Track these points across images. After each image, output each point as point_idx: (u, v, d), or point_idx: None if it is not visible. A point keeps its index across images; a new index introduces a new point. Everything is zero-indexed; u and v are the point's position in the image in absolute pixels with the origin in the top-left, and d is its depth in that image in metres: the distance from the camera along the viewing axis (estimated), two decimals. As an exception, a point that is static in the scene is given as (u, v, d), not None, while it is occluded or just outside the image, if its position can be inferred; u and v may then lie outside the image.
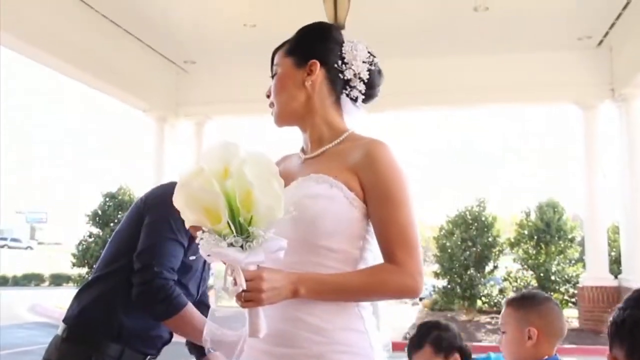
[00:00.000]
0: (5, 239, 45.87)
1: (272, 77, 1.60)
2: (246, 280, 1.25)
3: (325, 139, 1.55)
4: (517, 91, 10.79)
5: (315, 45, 1.57)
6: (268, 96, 1.60)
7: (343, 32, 4.61)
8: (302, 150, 1.63)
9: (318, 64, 1.55)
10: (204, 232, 1.24)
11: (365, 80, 1.57)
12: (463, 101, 11.09)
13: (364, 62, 1.56)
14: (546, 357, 1.99)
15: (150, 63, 9.14)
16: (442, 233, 13.67)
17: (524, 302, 2.08)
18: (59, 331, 2.07)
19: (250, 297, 1.26)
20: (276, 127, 1.62)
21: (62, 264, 24.48)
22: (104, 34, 5.62)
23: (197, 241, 1.25)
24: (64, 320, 2.08)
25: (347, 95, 1.58)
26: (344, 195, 1.43)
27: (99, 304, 2.03)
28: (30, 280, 31.93)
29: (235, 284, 1.24)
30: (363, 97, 1.58)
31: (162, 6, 5.50)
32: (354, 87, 1.56)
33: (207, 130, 11.96)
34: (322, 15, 4.57)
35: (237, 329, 1.48)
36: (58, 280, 31.10)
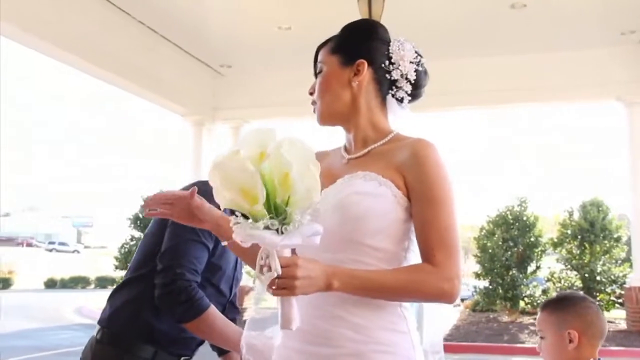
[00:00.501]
0: (53, 242, 47.00)
1: (316, 74, 1.57)
2: (281, 267, 1.21)
3: (370, 139, 1.53)
4: (557, 90, 10.51)
5: (362, 44, 1.53)
6: (311, 93, 1.56)
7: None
8: (345, 149, 1.59)
9: (366, 64, 1.51)
10: (236, 216, 1.22)
11: (412, 81, 1.54)
12: (502, 101, 10.86)
13: (411, 62, 1.53)
14: (590, 359, 1.92)
15: (186, 68, 9.22)
16: (482, 233, 13.46)
17: (560, 305, 2.01)
18: (94, 333, 2.08)
19: (283, 284, 1.21)
20: (318, 127, 1.60)
21: (107, 267, 24.95)
22: (141, 40, 5.66)
23: (231, 225, 1.23)
24: (98, 322, 2.10)
25: (393, 95, 1.55)
26: (392, 193, 1.40)
27: (130, 306, 2.03)
28: (77, 282, 32.71)
29: (270, 269, 1.20)
30: (409, 97, 1.56)
31: (197, 11, 5.54)
32: (400, 87, 1.54)
33: (244, 134, 11.95)
34: (356, 15, 4.50)
35: (275, 330, 1.45)
36: (103, 282, 31.78)
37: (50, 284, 31.96)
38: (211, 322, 1.96)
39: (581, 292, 2.24)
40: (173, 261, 1.95)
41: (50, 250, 45.44)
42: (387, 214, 1.40)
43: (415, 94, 1.56)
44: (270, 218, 1.20)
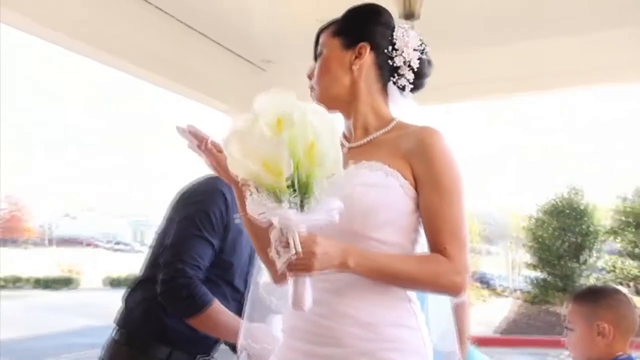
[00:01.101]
0: (115, 242, 48.40)
1: (315, 58, 1.50)
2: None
3: (371, 127, 1.45)
4: (608, 71, 10.04)
5: (365, 27, 1.47)
6: (310, 77, 1.49)
7: (417, 22, 4.30)
8: (345, 137, 1.49)
9: (368, 47, 1.44)
10: (251, 193, 1.14)
11: (415, 69, 1.46)
12: (551, 86, 10.41)
13: (415, 49, 1.46)
14: (620, 353, 1.83)
15: (228, 64, 9.10)
16: (534, 222, 13.08)
17: (591, 296, 1.92)
18: (112, 332, 2.06)
19: (301, 262, 1.14)
20: None
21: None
22: (181, 38, 5.59)
23: (246, 201, 1.16)
24: (115, 322, 2.09)
25: (394, 83, 1.47)
26: (399, 184, 1.33)
27: (143, 306, 2.01)
28: (137, 281, 33.38)
29: (287, 246, 1.13)
30: (411, 86, 1.47)
31: (235, 5, 5.44)
32: (402, 75, 1.46)
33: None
34: (396, 5, 4.32)
35: (283, 302, 1.41)
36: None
37: (113, 283, 32.82)
38: (216, 318, 1.91)
39: (613, 285, 2.12)
40: (174, 257, 1.91)
41: (113, 250, 46.76)
42: (395, 205, 1.33)
43: (417, 83, 1.48)
44: (293, 195, 1.11)
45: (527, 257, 13.29)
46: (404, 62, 1.45)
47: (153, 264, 2.04)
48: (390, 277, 1.28)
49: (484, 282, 21.84)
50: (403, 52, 1.45)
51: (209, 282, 1.95)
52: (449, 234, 1.31)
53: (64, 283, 30.56)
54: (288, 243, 1.13)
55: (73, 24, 4.45)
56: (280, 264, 1.15)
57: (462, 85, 6.06)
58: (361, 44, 1.44)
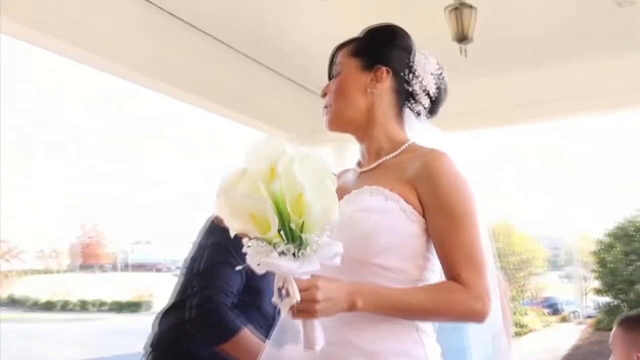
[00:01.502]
0: (179, 267, 49.19)
1: (330, 77, 1.46)
2: (300, 290, 1.11)
3: (383, 151, 1.40)
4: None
5: (384, 50, 1.42)
6: (324, 96, 1.45)
7: (471, 45, 4.26)
8: (358, 163, 1.47)
9: (386, 71, 1.40)
10: (250, 239, 1.12)
11: (432, 96, 1.43)
12: (608, 107, 10.10)
13: (432, 75, 1.43)
14: None
15: (286, 92, 9.28)
16: (601, 247, 12.59)
17: (637, 324, 1.83)
18: (143, 356, 2.09)
19: (304, 308, 1.12)
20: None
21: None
22: (241, 68, 5.73)
23: (244, 250, 1.13)
24: (149, 345, 2.10)
25: (410, 108, 1.43)
26: (400, 208, 1.28)
27: (171, 331, 2.03)
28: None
29: (288, 294, 1.11)
30: (426, 112, 1.45)
31: (295, 36, 5.56)
32: (419, 101, 1.43)
33: (348, 154, 11.92)
34: (445, 29, 4.30)
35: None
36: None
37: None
38: (245, 344, 1.90)
39: None
40: (204, 284, 1.92)
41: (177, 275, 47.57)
42: (395, 230, 1.27)
43: (433, 109, 1.45)
44: (286, 244, 1.08)
45: (596, 283, 12.75)
46: (421, 88, 1.41)
47: (184, 289, 2.06)
48: (403, 311, 1.23)
49: (551, 307, 21.10)
50: (421, 77, 1.41)
51: (239, 308, 1.95)
52: (462, 259, 1.25)
53: (135, 307, 31.29)
54: (288, 290, 1.11)
55: (144, 61, 4.63)
56: (282, 310, 1.13)
57: (519, 107, 5.95)
58: (380, 67, 1.40)
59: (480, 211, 1.30)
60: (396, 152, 1.38)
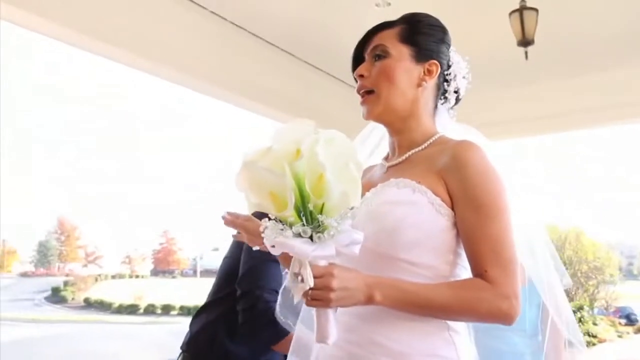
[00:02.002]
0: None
1: (374, 56, 1.33)
2: (315, 277, 1.06)
3: (415, 145, 1.34)
4: None
5: (437, 44, 1.36)
6: (361, 76, 1.33)
7: (532, 47, 4.18)
8: (386, 157, 1.42)
9: (438, 67, 1.34)
10: (269, 219, 1.08)
11: (458, 97, 1.40)
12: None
13: (463, 77, 1.39)
14: None
15: (344, 97, 9.31)
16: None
17: None
18: (177, 357, 2.06)
19: (317, 296, 1.07)
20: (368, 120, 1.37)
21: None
22: (302, 74, 5.80)
23: (260, 229, 1.10)
24: (180, 347, 2.08)
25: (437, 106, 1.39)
26: (429, 200, 1.21)
27: (207, 331, 1.99)
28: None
29: (302, 280, 1.06)
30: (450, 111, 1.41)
31: (352, 41, 5.61)
32: (448, 99, 1.39)
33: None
34: (508, 31, 4.24)
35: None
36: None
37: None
38: None
39: None
40: (250, 284, 1.89)
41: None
42: (423, 223, 1.20)
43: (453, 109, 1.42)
44: (303, 225, 1.05)
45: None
46: (454, 88, 1.38)
47: (219, 288, 2.04)
48: (423, 308, 1.16)
49: (626, 317, 20.17)
50: (455, 77, 1.37)
51: None
52: (490, 255, 1.17)
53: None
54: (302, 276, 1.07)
55: (210, 70, 4.77)
56: (295, 295, 1.09)
57: (583, 113, 5.74)
58: (433, 61, 1.34)
59: (512, 207, 1.22)
60: (425, 145, 1.33)
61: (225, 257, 2.11)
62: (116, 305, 34.23)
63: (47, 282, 41.97)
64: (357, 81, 1.36)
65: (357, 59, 1.38)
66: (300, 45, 5.62)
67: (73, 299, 37.62)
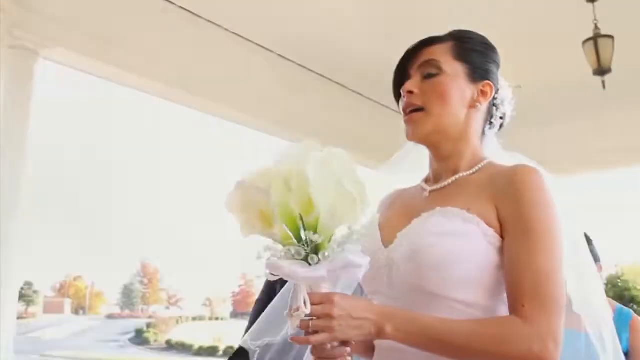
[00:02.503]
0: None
1: (424, 73, 1.22)
2: (313, 304, 0.97)
3: (462, 170, 1.22)
4: None
5: (491, 65, 1.26)
6: (410, 92, 1.21)
7: (609, 77, 3.99)
8: (426, 180, 1.28)
9: (490, 88, 1.23)
10: (270, 251, 1.02)
11: (504, 123, 1.28)
12: None
13: (509, 103, 1.28)
14: None
15: (392, 126, 9.18)
16: None
17: None
18: None
19: (319, 325, 0.97)
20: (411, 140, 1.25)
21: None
22: (359, 109, 5.78)
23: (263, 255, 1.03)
24: None
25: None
26: (482, 231, 1.08)
27: None
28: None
29: (298, 309, 0.98)
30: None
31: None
32: (494, 124, 1.27)
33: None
34: (583, 61, 4.09)
35: None
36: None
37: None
38: None
39: None
40: None
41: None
42: (475, 258, 1.07)
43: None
44: (299, 246, 0.98)
45: None
46: (501, 112, 1.27)
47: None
48: (440, 344, 1.02)
49: None
50: (503, 102, 1.27)
51: None
52: (530, 289, 1.03)
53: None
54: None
55: (273, 109, 4.84)
56: (291, 326, 1.00)
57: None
58: (487, 82, 1.23)
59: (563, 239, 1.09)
60: (473, 170, 1.21)
61: (257, 300, 2.08)
62: (196, 347, 34.67)
63: (131, 324, 43.17)
64: (398, 99, 1.25)
65: (401, 75, 1.26)
66: (368, 83, 5.65)
67: (155, 340, 38.43)
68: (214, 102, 4.20)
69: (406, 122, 1.22)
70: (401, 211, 1.16)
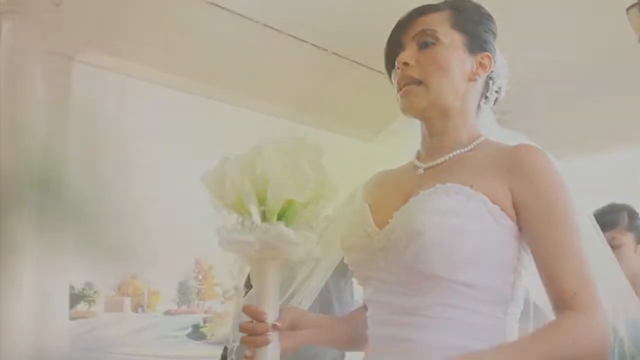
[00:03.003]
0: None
1: (420, 43, 1.16)
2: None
3: (459, 146, 1.18)
4: None
5: (488, 35, 1.21)
6: (405, 64, 1.15)
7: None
8: (417, 157, 1.24)
9: (492, 60, 1.20)
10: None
11: (499, 97, 1.26)
12: None
13: (505, 75, 1.25)
14: None
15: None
16: None
17: None
18: None
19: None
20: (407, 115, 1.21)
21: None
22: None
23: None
24: None
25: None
26: (487, 209, 1.04)
27: None
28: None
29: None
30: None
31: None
32: (489, 98, 1.24)
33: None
34: (631, 27, 3.92)
35: None
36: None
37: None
38: None
39: None
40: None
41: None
42: (481, 237, 1.03)
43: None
44: (246, 217, 1.00)
45: None
46: (497, 86, 1.24)
47: None
48: None
49: None
50: (500, 75, 1.23)
51: None
52: (578, 279, 1.00)
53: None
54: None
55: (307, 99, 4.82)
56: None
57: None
58: (486, 53, 1.19)
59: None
60: (471, 147, 1.17)
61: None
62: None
63: (188, 320, 44.05)
64: (389, 71, 1.21)
65: (395, 44, 1.20)
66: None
67: (212, 334, 39.14)
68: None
69: (401, 95, 1.16)
70: (394, 191, 1.12)
